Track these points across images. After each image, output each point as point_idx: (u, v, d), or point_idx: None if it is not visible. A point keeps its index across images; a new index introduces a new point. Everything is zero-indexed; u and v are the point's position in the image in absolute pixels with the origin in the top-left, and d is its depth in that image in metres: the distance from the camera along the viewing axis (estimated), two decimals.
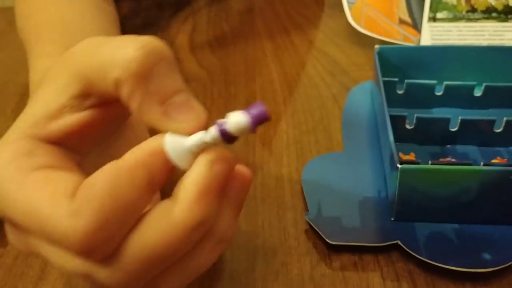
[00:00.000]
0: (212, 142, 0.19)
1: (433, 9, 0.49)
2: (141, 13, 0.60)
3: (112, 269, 0.19)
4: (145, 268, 0.19)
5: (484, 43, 0.48)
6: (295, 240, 0.30)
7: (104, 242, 0.19)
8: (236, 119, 0.19)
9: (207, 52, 0.52)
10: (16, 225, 0.21)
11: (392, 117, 0.33)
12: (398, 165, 0.28)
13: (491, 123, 0.35)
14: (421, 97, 0.39)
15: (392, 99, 0.38)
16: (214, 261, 0.21)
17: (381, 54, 0.42)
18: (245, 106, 0.20)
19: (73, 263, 0.20)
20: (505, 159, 0.34)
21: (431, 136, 0.36)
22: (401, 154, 0.35)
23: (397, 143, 0.35)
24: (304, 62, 0.50)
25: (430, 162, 0.29)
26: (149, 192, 0.19)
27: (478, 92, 0.38)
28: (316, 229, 0.30)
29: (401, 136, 0.35)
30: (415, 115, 0.35)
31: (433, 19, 0.49)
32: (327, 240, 0.29)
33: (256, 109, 0.18)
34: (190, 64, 0.50)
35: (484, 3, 0.48)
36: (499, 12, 0.48)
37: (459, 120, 0.35)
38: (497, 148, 0.35)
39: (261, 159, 0.37)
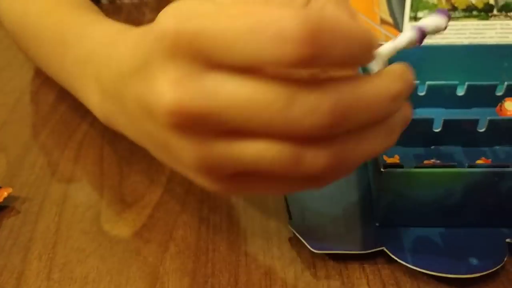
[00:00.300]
0: (406, 45, 0.22)
1: (414, 8, 0.49)
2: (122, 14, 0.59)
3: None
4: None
5: (466, 41, 0.48)
6: (279, 250, 0.29)
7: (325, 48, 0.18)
8: (434, 20, 0.23)
9: None
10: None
11: None
12: (382, 169, 0.28)
13: (475, 122, 0.34)
14: None
15: None
16: (383, 148, 0.22)
17: None
18: None
19: (280, 147, 0.19)
20: (490, 160, 0.34)
21: (414, 137, 0.35)
22: (385, 157, 0.34)
23: None
24: None
25: (414, 165, 0.29)
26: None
27: (460, 92, 0.38)
28: (300, 237, 0.29)
29: None
30: None
31: (414, 18, 0.49)
32: (311, 248, 0.28)
33: (442, 11, 0.23)
34: None
35: (465, 2, 0.48)
36: (479, 10, 0.48)
37: (442, 121, 0.34)
38: (482, 148, 0.35)
39: None
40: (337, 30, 0.18)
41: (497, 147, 0.35)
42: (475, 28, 0.49)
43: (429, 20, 0.23)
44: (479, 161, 0.34)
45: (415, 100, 0.38)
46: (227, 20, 0.18)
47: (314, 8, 0.22)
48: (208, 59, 0.19)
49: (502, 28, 0.48)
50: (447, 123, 0.34)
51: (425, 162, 0.34)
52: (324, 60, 0.18)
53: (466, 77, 0.40)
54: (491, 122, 0.34)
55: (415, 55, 0.41)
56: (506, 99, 0.36)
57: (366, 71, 0.23)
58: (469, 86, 0.38)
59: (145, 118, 0.22)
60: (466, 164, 0.28)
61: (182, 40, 0.19)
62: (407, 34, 0.22)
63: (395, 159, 0.34)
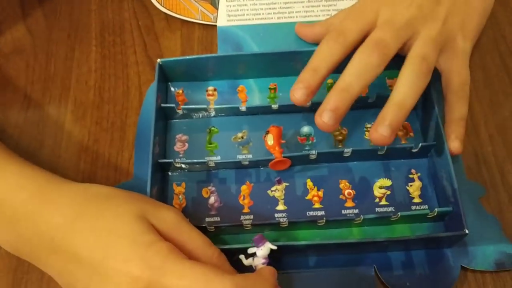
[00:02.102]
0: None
1: None
2: None
3: None
4: None
5: (275, 16, 0.52)
6: None
7: None
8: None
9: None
10: None
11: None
12: None
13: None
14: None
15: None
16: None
17: (164, 66, 0.47)
18: None
19: None
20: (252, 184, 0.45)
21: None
22: (174, 186, 0.45)
23: (170, 173, 0.45)
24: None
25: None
26: None
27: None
28: None
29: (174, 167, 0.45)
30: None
31: None
32: None
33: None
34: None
35: None
36: None
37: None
38: (249, 170, 0.46)
39: None
40: None
41: (261, 168, 0.46)
42: (284, 2, 0.52)
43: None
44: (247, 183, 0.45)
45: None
46: (190, 282, 0.31)
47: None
48: None
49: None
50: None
51: (204, 189, 0.45)
52: None
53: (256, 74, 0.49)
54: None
55: (210, 62, 0.48)
56: (269, 129, 0.45)
57: None
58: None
59: None
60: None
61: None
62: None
63: (182, 188, 0.45)
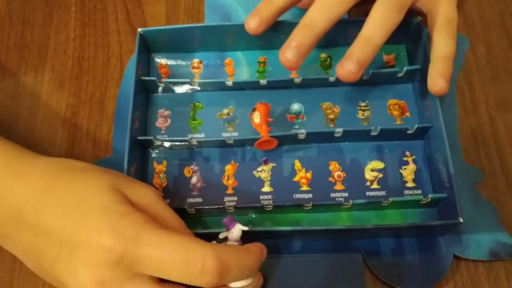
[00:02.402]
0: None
1: None
2: None
3: None
4: None
5: None
6: None
7: None
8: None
9: None
10: None
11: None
12: None
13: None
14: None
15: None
16: None
17: (146, 36, 0.44)
18: None
19: None
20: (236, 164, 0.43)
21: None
22: (155, 164, 0.43)
23: (150, 149, 0.43)
24: None
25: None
26: None
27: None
28: None
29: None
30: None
31: None
32: None
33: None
34: None
35: None
36: None
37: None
38: (234, 149, 0.44)
39: None
40: (237, 266, 0.31)
41: (247, 147, 0.43)
42: None
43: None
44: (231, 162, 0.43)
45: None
46: (168, 252, 0.29)
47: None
48: (138, 272, 0.29)
49: None
50: None
51: (187, 168, 0.43)
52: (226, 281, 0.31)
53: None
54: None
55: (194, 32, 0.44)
56: (256, 106, 0.42)
57: None
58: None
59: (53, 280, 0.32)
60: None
61: (125, 259, 0.29)
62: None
63: (163, 166, 0.43)
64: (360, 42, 0.38)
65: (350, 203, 0.39)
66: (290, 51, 0.38)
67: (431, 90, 0.39)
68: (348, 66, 0.37)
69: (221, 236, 0.36)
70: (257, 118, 0.41)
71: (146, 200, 0.33)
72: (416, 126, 0.41)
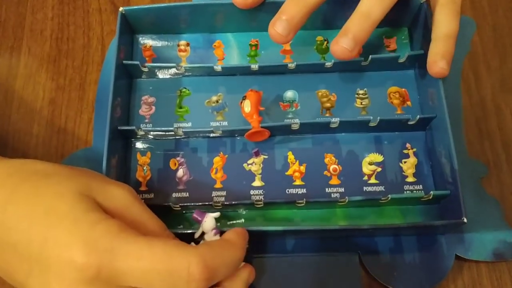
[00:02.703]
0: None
1: None
2: None
3: None
4: None
5: None
6: None
7: None
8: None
9: None
10: None
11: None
12: None
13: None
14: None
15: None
16: None
17: (128, 16, 0.41)
18: None
19: None
20: (225, 155, 0.40)
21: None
22: (138, 155, 0.40)
23: (133, 139, 0.40)
24: None
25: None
26: None
27: None
28: None
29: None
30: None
31: None
32: None
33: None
34: None
35: None
36: None
37: None
38: (223, 139, 0.41)
39: None
40: (223, 264, 0.29)
41: (237, 138, 0.41)
42: None
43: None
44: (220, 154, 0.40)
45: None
46: (149, 262, 0.26)
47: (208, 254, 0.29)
48: (119, 286, 0.27)
49: None
50: None
51: (172, 160, 0.40)
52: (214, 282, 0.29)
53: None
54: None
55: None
56: (247, 94, 0.39)
57: None
58: None
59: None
60: None
61: (102, 274, 0.26)
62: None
63: (147, 158, 0.40)
64: (356, 17, 0.35)
65: (346, 200, 0.36)
66: (280, 24, 0.35)
67: (431, 72, 0.36)
68: (343, 42, 0.35)
69: (196, 235, 0.34)
70: (247, 107, 0.38)
71: (120, 204, 0.30)
72: (418, 116, 0.38)
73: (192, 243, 0.31)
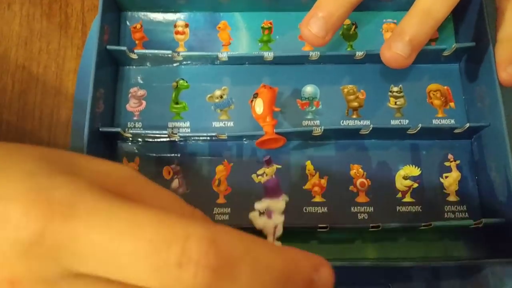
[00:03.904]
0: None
1: None
2: None
3: None
4: None
5: None
6: None
7: None
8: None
9: None
10: None
11: None
12: None
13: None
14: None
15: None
16: None
17: None
18: None
19: None
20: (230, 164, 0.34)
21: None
22: (125, 161, 0.33)
23: (119, 141, 0.33)
24: None
25: None
26: None
27: None
28: None
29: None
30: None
31: None
32: None
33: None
34: None
35: None
36: None
37: None
38: (228, 143, 0.34)
39: None
40: (250, 260, 0.17)
41: (245, 142, 0.34)
42: None
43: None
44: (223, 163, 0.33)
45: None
46: (123, 231, 0.17)
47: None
48: (72, 271, 0.17)
49: None
50: None
51: (166, 168, 0.33)
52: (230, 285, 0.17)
53: None
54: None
55: None
56: (259, 91, 0.32)
57: None
58: None
59: None
60: None
61: (47, 244, 0.17)
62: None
63: (135, 164, 0.33)
64: (415, 16, 0.28)
65: (380, 227, 0.30)
66: (316, 23, 0.29)
67: (500, 79, 0.29)
68: (398, 47, 0.28)
69: (258, 206, 0.24)
70: (259, 106, 0.31)
71: (118, 178, 0.20)
72: (467, 125, 0.31)
73: (253, 214, 0.24)
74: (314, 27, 0.29)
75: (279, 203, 0.25)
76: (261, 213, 0.26)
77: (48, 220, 0.17)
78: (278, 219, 0.25)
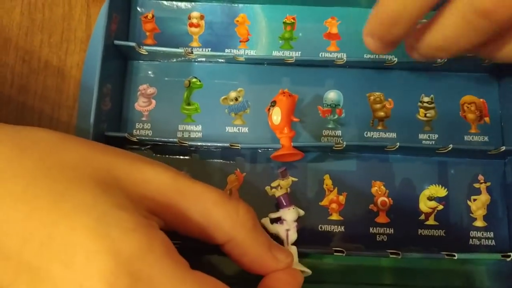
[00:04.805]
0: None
1: None
2: None
3: None
4: None
5: None
6: None
7: None
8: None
9: None
10: None
11: None
12: None
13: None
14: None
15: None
16: None
17: None
18: None
19: None
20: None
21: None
22: None
23: (128, 146, 0.31)
24: None
25: None
26: None
27: None
28: None
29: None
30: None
31: None
32: None
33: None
34: None
35: None
36: None
37: None
38: (242, 151, 0.31)
39: None
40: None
41: (259, 151, 0.31)
42: None
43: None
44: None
45: None
46: None
47: None
48: None
49: None
50: None
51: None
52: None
53: None
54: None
55: None
56: (277, 98, 0.30)
57: None
58: None
59: None
60: None
61: None
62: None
63: None
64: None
65: (400, 256, 0.28)
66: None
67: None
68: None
69: (273, 215, 0.28)
70: (276, 116, 0.29)
71: (159, 185, 0.22)
72: (503, 148, 0.29)
73: (266, 219, 0.28)
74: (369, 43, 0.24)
75: (289, 212, 0.27)
76: (273, 221, 0.26)
77: None
78: (290, 225, 0.27)
